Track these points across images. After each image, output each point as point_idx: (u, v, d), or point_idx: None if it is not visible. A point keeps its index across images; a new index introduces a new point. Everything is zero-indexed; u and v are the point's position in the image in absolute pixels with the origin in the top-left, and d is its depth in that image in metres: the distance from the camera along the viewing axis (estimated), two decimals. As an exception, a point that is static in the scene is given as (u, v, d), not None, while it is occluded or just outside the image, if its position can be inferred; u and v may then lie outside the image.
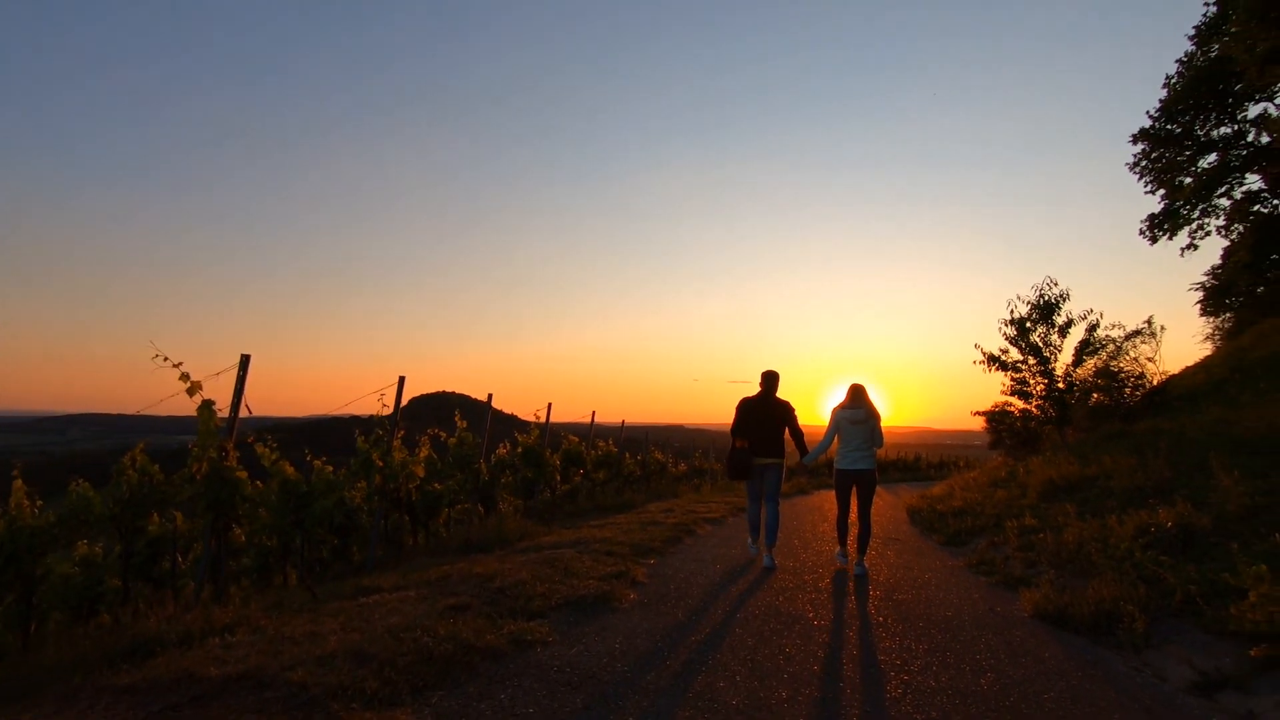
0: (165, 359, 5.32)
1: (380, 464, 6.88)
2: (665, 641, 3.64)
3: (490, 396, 9.19)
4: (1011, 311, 11.59)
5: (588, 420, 14.23)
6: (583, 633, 3.68)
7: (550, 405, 10.95)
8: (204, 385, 5.37)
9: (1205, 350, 23.35)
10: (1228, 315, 23.46)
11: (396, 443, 7.10)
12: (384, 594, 4.52)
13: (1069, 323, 11.33)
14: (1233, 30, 16.44)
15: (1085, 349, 11.60)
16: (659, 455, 18.89)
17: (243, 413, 5.41)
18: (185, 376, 5.32)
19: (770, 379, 6.60)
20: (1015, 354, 11.70)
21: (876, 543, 8.00)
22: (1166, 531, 5.28)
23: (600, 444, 15.11)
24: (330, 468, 8.12)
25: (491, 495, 11.05)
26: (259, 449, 7.76)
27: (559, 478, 11.42)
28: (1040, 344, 11.34)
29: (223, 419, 5.48)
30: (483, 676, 2.94)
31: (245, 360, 5.38)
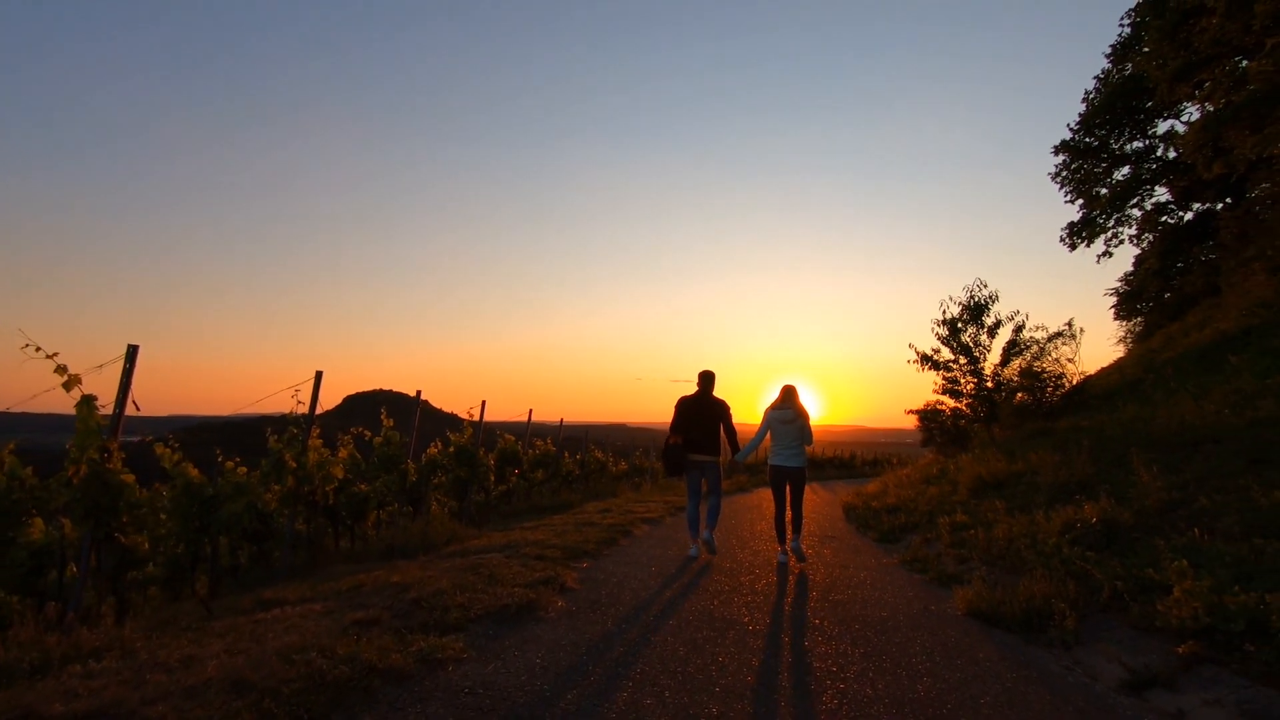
0: (38, 349, 4.74)
1: (293, 465, 6.38)
2: (591, 654, 3.39)
3: (419, 393, 8.74)
4: (944, 312, 11.86)
5: (533, 419, 13.83)
6: (502, 647, 3.39)
7: (484, 403, 10.56)
8: (84, 379, 4.82)
9: (1119, 352, 24.66)
10: (1138, 319, 24.87)
11: (313, 441, 6.61)
12: (287, 607, 4.12)
13: (997, 323, 11.66)
14: (1145, 50, 17.34)
15: (1012, 349, 11.96)
16: (599, 454, 18.63)
17: (129, 410, 4.87)
18: (61, 369, 4.75)
19: (707, 379, 6.71)
20: (947, 354, 11.97)
21: (813, 540, 8.01)
22: (1091, 527, 5.37)
23: (538, 443, 14.75)
24: (244, 469, 7.55)
25: (421, 497, 10.57)
26: (158, 449, 7.14)
27: (493, 478, 11.02)
28: (970, 344, 11.64)
29: (107, 416, 4.93)
30: (382, 703, 2.62)
31: (133, 351, 4.85)
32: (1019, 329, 11.83)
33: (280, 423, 6.85)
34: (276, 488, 7.18)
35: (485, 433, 11.67)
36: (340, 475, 6.84)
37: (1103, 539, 5.24)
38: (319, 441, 7.74)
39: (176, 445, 7.23)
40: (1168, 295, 22.87)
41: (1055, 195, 25.27)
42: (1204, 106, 15.60)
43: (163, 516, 7.00)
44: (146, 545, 7.65)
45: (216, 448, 8.23)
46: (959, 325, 11.73)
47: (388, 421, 8.78)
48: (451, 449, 10.54)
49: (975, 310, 11.61)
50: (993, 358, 11.81)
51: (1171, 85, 15.82)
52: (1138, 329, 24.49)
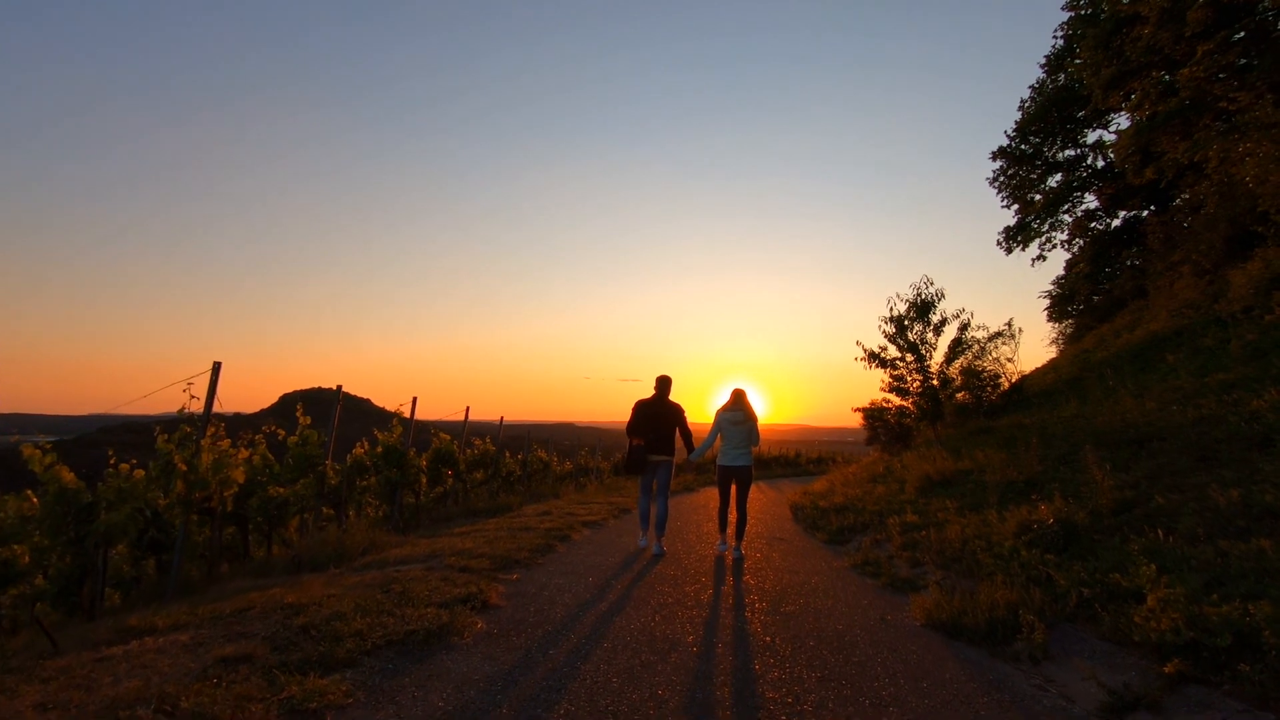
0: None
1: (184, 468, 5.62)
2: (507, 691, 2.87)
3: (339, 388, 8.00)
4: (891, 309, 11.73)
5: (476, 418, 13.09)
6: (399, 686, 2.83)
7: (415, 399, 9.86)
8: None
9: (1051, 353, 25.48)
10: (1069, 321, 25.74)
11: (220, 442, 5.84)
12: (148, 638, 3.45)
13: (943, 321, 11.60)
14: (1078, 61, 17.75)
15: (957, 347, 11.94)
16: (542, 454, 18.00)
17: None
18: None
19: (664, 383, 7.00)
20: (894, 351, 11.86)
21: (761, 543, 7.70)
22: (1048, 528, 5.14)
23: (477, 442, 14.06)
24: (141, 472, 6.72)
25: (344, 500, 9.80)
26: (26, 451, 6.26)
27: (425, 480, 10.31)
28: (917, 341, 11.55)
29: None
30: (228, 774, 2.06)
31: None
32: (964, 327, 11.82)
33: (173, 421, 6.06)
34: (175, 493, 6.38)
35: (421, 431, 11.02)
36: (241, 479, 6.09)
37: (1060, 540, 5.02)
38: (226, 442, 6.98)
39: (49, 446, 6.36)
40: (1096, 298, 23.72)
41: (993, 201, 25.95)
42: (1134, 116, 16.02)
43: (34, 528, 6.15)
44: (27, 558, 6.77)
45: (109, 448, 7.35)
46: (905, 323, 11.62)
47: (304, 419, 8.00)
48: (379, 449, 9.80)
49: (922, 307, 11.52)
50: (938, 355, 11.76)
51: (1105, 93, 16.24)
52: (1069, 330, 25.32)
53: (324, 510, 8.66)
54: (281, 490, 8.25)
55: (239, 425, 7.88)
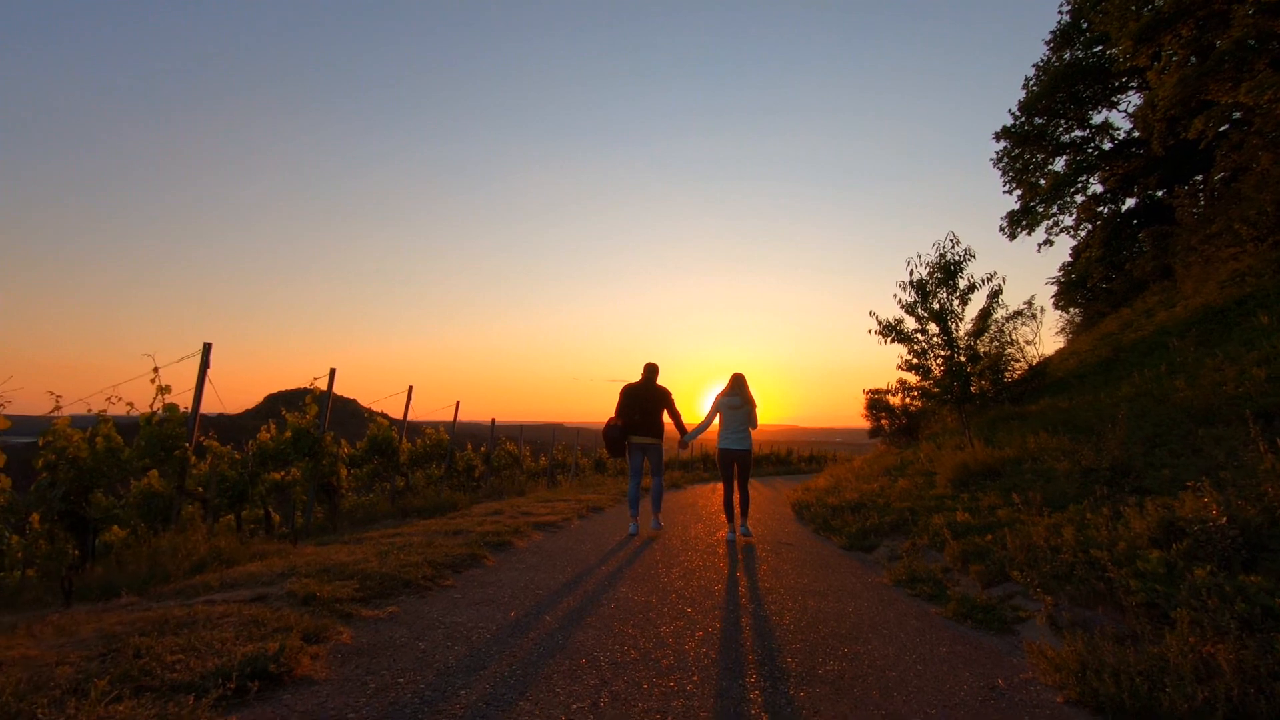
0: None
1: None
2: None
3: (208, 346, 6.02)
4: (911, 272, 9.89)
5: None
6: None
7: (333, 371, 7.92)
8: None
9: (1060, 341, 23.91)
10: (1077, 309, 24.22)
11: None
12: None
13: (971, 287, 9.76)
14: (1104, 10, 16.08)
15: (987, 318, 10.15)
16: (511, 447, 16.04)
17: None
18: None
19: (651, 369, 7.16)
20: (912, 323, 10.01)
21: (765, 549, 6.01)
22: (1219, 531, 3.32)
23: (429, 432, 12.11)
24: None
25: (242, 497, 7.85)
26: None
27: (345, 472, 8.34)
28: (943, 311, 9.69)
29: None
30: None
31: None
32: (995, 294, 10.01)
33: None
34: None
35: (368, 421, 9.25)
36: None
37: (1243, 551, 3.22)
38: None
39: None
40: (1105, 285, 22.22)
41: (984, 195, 24.45)
42: (1160, 79, 14.35)
43: None
44: None
45: None
46: (928, 289, 9.76)
47: (161, 398, 5.96)
48: (288, 434, 7.85)
49: (947, 271, 9.68)
50: (965, 328, 9.91)
51: (1135, 46, 14.63)
52: (1078, 319, 23.80)
53: (225, 515, 6.71)
54: (165, 485, 6.31)
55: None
